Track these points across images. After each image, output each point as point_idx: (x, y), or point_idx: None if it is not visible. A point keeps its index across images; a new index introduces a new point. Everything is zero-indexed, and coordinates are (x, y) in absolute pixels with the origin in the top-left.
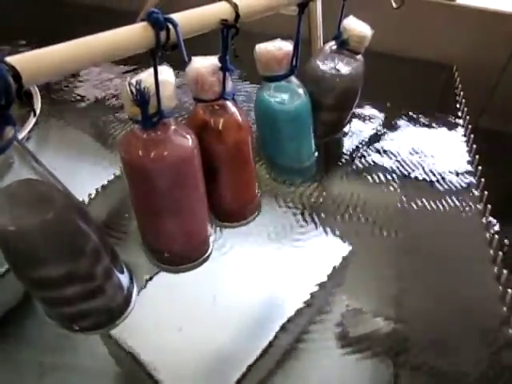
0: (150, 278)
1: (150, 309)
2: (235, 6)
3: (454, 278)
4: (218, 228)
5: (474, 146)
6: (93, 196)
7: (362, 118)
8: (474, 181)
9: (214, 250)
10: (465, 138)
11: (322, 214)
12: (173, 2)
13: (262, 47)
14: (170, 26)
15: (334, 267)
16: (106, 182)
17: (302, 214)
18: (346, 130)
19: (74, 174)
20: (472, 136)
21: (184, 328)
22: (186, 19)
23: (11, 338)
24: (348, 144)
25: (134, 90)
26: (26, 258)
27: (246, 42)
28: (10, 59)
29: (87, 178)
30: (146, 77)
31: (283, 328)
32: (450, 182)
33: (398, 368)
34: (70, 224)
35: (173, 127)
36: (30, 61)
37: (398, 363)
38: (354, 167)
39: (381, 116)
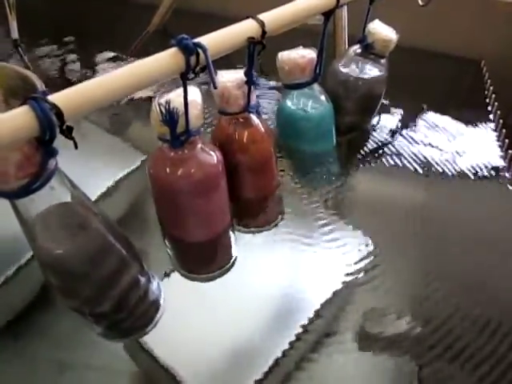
0: (168, 276)
1: (168, 306)
2: (262, 24)
3: (484, 279)
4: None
5: (506, 140)
6: (109, 191)
7: (389, 114)
8: (508, 175)
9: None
10: (496, 133)
11: (345, 212)
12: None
13: (284, 55)
14: (200, 50)
15: (357, 266)
16: (122, 176)
17: (325, 211)
18: (376, 120)
19: (90, 167)
20: (503, 130)
21: (203, 325)
22: (214, 41)
23: (27, 335)
24: (373, 139)
25: (163, 110)
26: (65, 277)
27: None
28: (51, 97)
29: (104, 171)
30: (174, 97)
31: (305, 327)
32: (482, 177)
33: (422, 371)
34: (107, 246)
35: (199, 145)
36: (71, 97)
37: (422, 366)
38: (379, 163)
39: (408, 111)
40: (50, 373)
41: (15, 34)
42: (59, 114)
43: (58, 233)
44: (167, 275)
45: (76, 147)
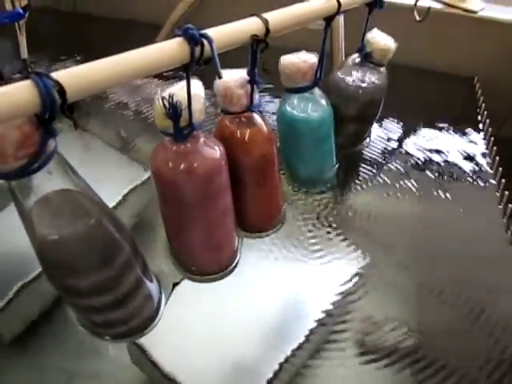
0: (173, 287)
1: (173, 317)
2: (266, 22)
3: (476, 288)
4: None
5: (497, 157)
6: (114, 205)
7: (383, 130)
8: (498, 194)
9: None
10: (487, 151)
11: (341, 226)
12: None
13: (286, 59)
14: (205, 42)
15: (354, 278)
16: (125, 192)
17: (321, 225)
18: (366, 141)
19: (95, 182)
20: (494, 148)
21: (206, 338)
22: (218, 35)
23: (36, 345)
24: (368, 155)
25: (166, 103)
26: (62, 266)
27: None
28: (55, 75)
29: (109, 186)
30: (177, 90)
31: (303, 339)
32: (472, 194)
33: (418, 381)
34: (105, 234)
35: (202, 139)
36: (74, 76)
37: (419, 376)
38: (374, 178)
39: (401, 128)
40: (59, 381)
41: (24, 54)
42: (62, 91)
43: (56, 219)
44: (173, 288)
45: (76, 128)
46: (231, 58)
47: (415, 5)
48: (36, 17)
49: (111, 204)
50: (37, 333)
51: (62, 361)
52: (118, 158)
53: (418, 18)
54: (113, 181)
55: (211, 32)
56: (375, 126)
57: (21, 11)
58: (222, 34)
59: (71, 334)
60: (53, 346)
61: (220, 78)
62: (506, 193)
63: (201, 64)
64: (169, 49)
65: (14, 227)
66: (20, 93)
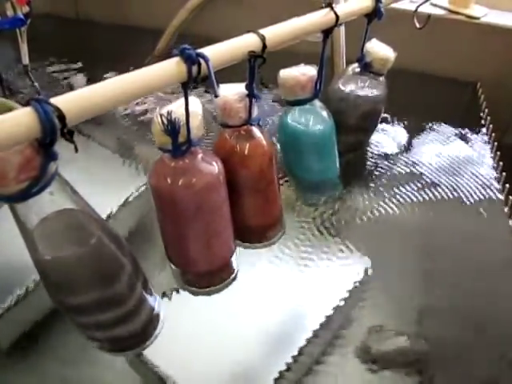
0: (169, 296)
1: (172, 324)
2: (263, 38)
3: (479, 294)
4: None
5: (501, 163)
6: (114, 212)
7: (386, 136)
8: (502, 198)
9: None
10: (491, 155)
11: (342, 231)
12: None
13: (285, 72)
14: (202, 61)
15: (355, 284)
16: (125, 198)
17: (322, 230)
18: (366, 147)
19: (95, 189)
20: (498, 153)
21: (205, 346)
22: (215, 52)
23: (37, 353)
24: (370, 160)
25: (164, 120)
26: (64, 286)
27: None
28: (54, 100)
29: (108, 193)
30: (175, 108)
31: (305, 345)
32: (476, 199)
33: None
34: (106, 253)
35: (200, 155)
36: (73, 101)
37: (422, 382)
38: (376, 184)
39: (405, 133)
40: None
41: (26, 60)
42: (61, 116)
43: (59, 240)
44: (168, 295)
45: (76, 151)
46: (231, 70)
47: (415, 11)
48: (37, 23)
49: (109, 211)
50: (36, 339)
51: (61, 368)
52: (117, 166)
53: (418, 26)
54: (112, 188)
55: (208, 50)
56: (376, 132)
57: (22, 17)
58: (219, 52)
59: (70, 340)
60: (52, 352)
61: (216, 96)
62: (511, 198)
63: (198, 82)
64: (166, 69)
65: (12, 234)
66: (21, 120)
